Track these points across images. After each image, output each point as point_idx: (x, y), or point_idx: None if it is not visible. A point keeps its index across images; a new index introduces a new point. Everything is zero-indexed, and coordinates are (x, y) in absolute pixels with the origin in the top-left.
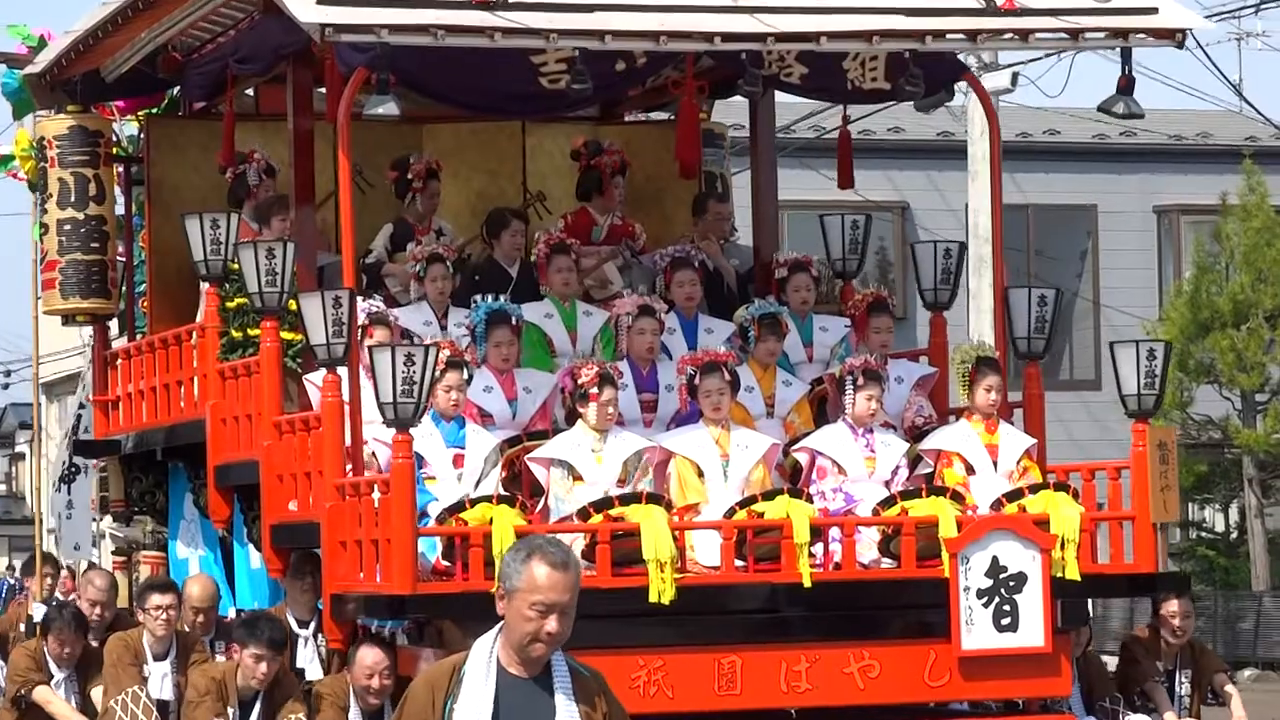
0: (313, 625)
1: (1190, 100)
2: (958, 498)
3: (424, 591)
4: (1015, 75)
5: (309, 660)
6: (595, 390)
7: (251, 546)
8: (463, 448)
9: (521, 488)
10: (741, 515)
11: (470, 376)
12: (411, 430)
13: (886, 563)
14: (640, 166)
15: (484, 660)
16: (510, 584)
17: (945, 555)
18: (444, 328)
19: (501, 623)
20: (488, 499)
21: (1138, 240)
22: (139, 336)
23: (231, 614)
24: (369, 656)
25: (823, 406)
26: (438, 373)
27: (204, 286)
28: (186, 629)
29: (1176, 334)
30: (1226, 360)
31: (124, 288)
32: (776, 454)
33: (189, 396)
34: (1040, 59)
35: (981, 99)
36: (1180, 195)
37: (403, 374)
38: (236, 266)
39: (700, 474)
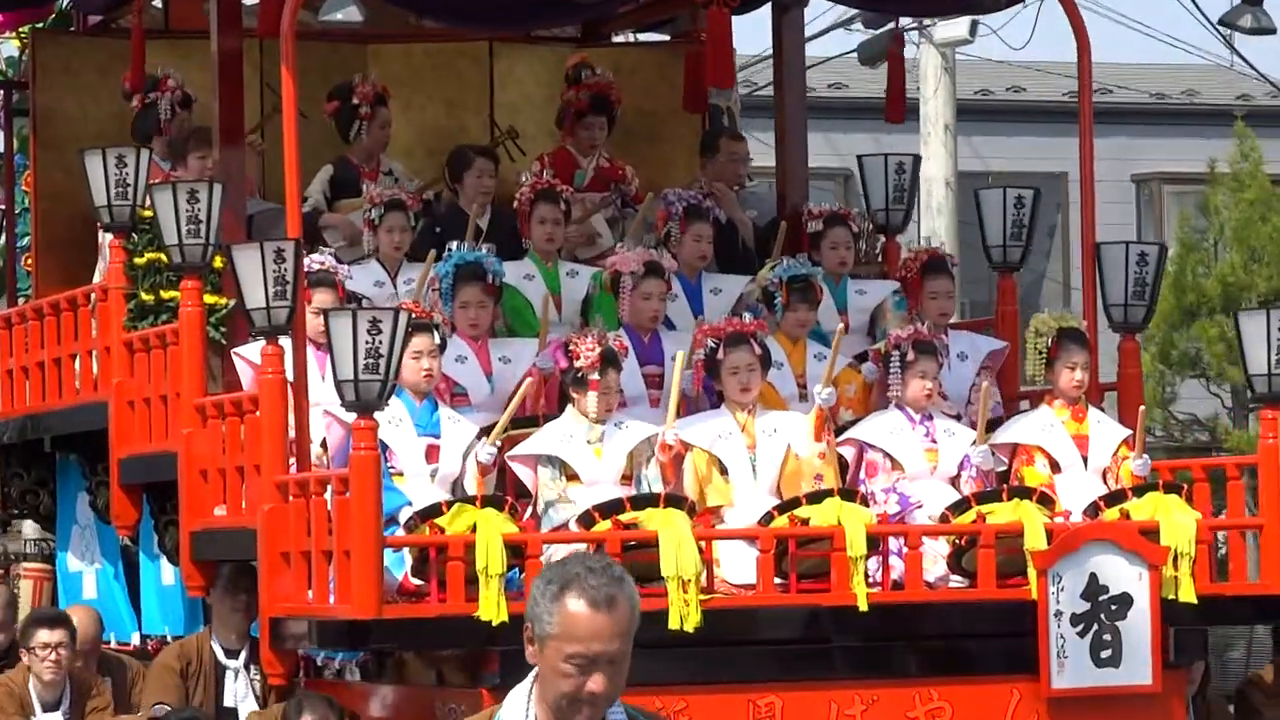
0: (244, 655)
1: (1174, 54)
2: (1046, 501)
3: (391, 616)
4: (974, 24)
5: (241, 698)
6: (596, 376)
7: (164, 559)
8: (437, 436)
9: (506, 486)
10: (782, 522)
11: (443, 342)
12: (376, 415)
13: (956, 581)
14: (631, 98)
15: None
16: (540, 628)
17: (1032, 572)
18: (398, 289)
19: (535, 671)
20: (469, 501)
21: (1114, 213)
22: (21, 300)
23: (135, 641)
24: None
25: None
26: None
27: (105, 238)
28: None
29: (1158, 321)
30: (1215, 351)
31: (2, 241)
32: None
33: (86, 374)
34: (1003, 7)
35: (1071, 15)
36: (1163, 162)
37: (366, 344)
38: (149, 213)
39: (723, 471)
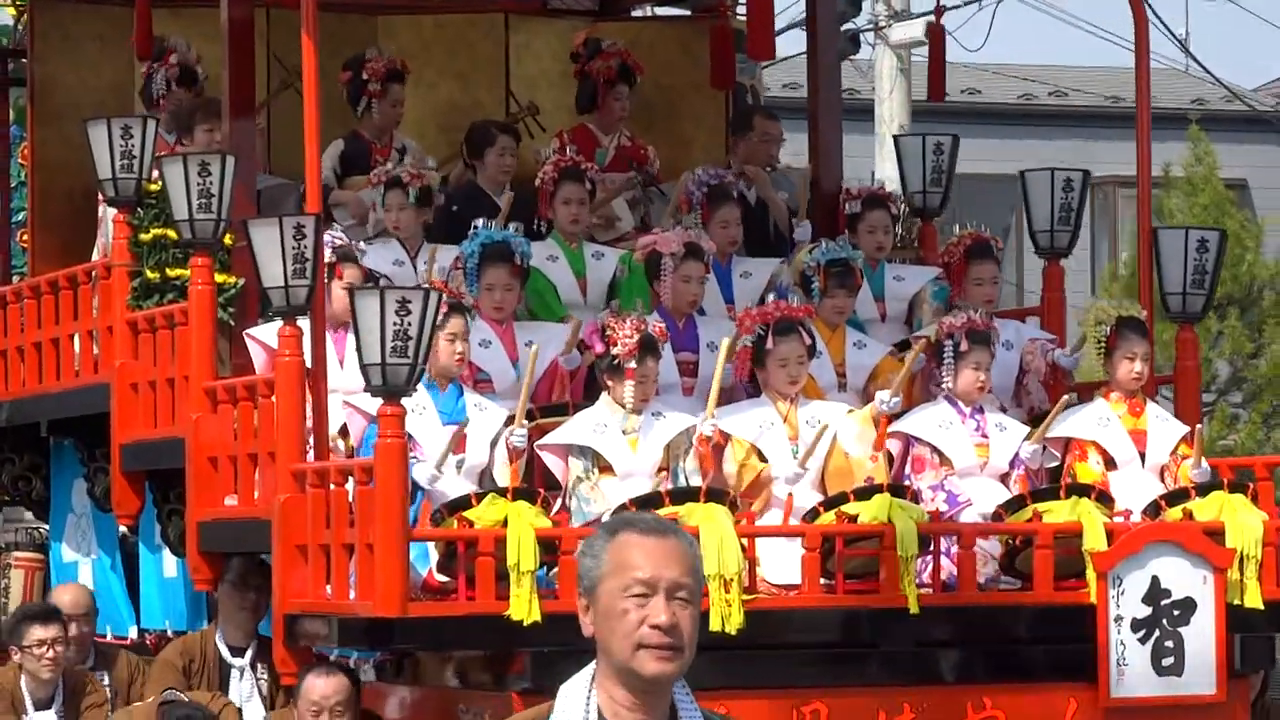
0: (250, 652)
1: (1129, 57)
2: (1105, 499)
3: (416, 614)
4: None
5: (247, 697)
6: (633, 364)
7: (166, 550)
8: (464, 425)
9: (534, 478)
10: (828, 518)
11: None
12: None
13: (1007, 583)
14: (651, 74)
15: (579, 715)
16: (591, 578)
17: (1091, 574)
18: (417, 269)
19: (594, 662)
20: (500, 492)
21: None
22: (16, 279)
23: (133, 635)
24: (318, 688)
25: None
26: (440, 320)
27: (108, 213)
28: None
29: None
30: (1168, 355)
31: None
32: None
33: (86, 355)
34: (959, 7)
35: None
36: (1117, 165)
37: (394, 325)
38: (155, 187)
39: (764, 463)
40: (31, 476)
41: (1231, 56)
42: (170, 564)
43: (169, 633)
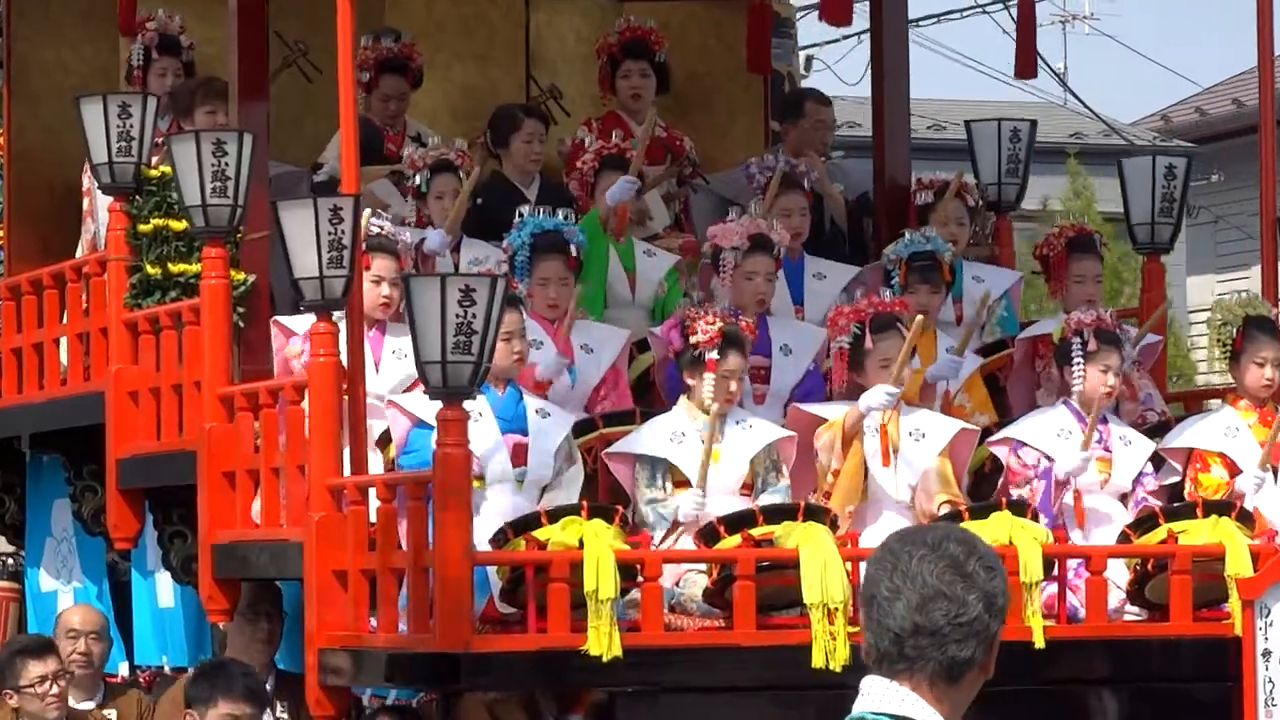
0: (268, 690)
1: (1008, 90)
2: (1247, 519)
3: (482, 649)
4: (809, 59)
5: None
6: (715, 355)
7: (161, 576)
8: (525, 433)
9: (599, 492)
10: None
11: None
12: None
13: (1132, 613)
14: (683, 61)
15: None
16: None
17: (1236, 604)
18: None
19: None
20: (573, 510)
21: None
22: None
23: (124, 672)
24: None
25: (992, 384)
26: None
27: (99, 202)
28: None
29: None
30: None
31: None
32: (971, 447)
33: (75, 361)
34: (837, 41)
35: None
36: None
37: (457, 318)
38: (157, 172)
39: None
40: (5, 497)
41: (1109, 91)
42: (166, 592)
43: (166, 669)
